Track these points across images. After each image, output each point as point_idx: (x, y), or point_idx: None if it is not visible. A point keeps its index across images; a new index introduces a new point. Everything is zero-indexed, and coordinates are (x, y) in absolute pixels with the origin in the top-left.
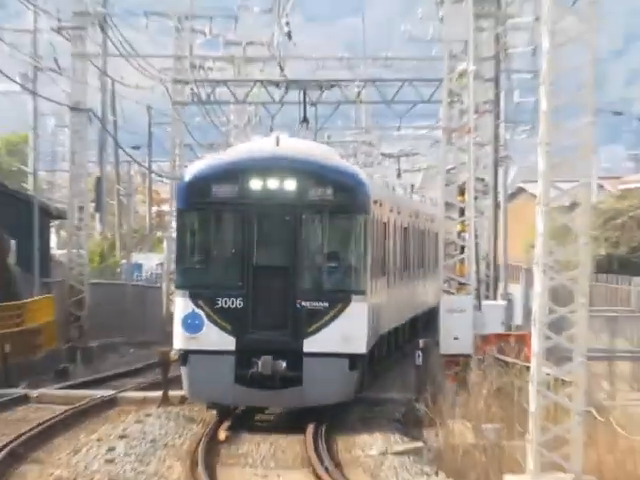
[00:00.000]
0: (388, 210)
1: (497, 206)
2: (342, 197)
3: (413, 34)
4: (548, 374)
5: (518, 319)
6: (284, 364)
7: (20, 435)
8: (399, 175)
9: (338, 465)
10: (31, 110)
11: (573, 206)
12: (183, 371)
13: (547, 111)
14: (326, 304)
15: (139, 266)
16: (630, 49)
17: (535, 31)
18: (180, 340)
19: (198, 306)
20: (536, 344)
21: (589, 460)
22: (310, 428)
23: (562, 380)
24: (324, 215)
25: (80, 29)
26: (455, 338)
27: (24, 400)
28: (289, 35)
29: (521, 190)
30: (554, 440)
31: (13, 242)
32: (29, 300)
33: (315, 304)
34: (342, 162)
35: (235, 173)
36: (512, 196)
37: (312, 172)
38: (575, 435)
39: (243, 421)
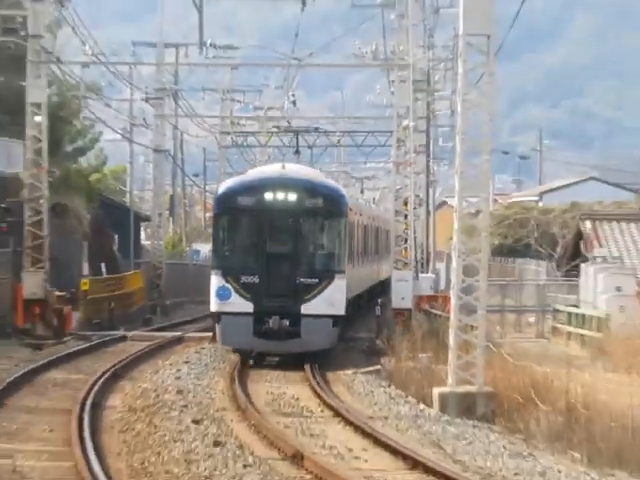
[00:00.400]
0: (356, 215)
1: (428, 213)
2: (328, 205)
3: (374, 101)
4: (461, 321)
5: (442, 286)
6: (287, 322)
7: (120, 361)
8: (362, 192)
9: (326, 382)
10: (128, 151)
11: (477, 213)
12: (217, 327)
13: (460, 152)
14: (317, 280)
15: (197, 252)
16: (513, 110)
17: (452, 100)
18: (215, 305)
19: (227, 281)
20: (454, 302)
21: (487, 377)
22: (307, 365)
23: (471, 325)
24: (316, 218)
25: (160, 99)
26: (402, 298)
27: (123, 339)
28: (294, 103)
29: (444, 203)
30: (465, 364)
31: (116, 236)
32: (127, 274)
33: (309, 280)
34: (328, 181)
35: (253, 188)
36: (438, 206)
37: (307, 187)
38: (478, 361)
39: (258, 361)
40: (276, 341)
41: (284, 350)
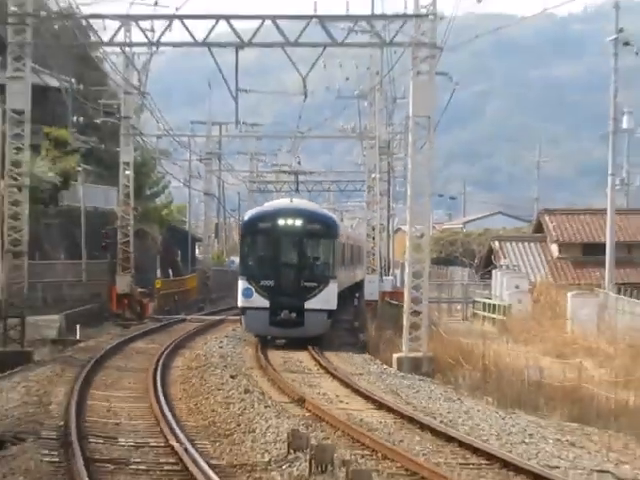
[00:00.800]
0: (343, 236)
1: (388, 236)
2: (324, 229)
3: (353, 161)
4: (411, 308)
5: (398, 284)
6: (295, 315)
7: (181, 336)
8: (342, 220)
9: (322, 352)
10: (187, 194)
11: (422, 236)
12: (242, 318)
13: (410, 194)
14: (316, 284)
15: (233, 262)
16: (445, 167)
17: (405, 160)
18: (241, 302)
19: (250, 284)
20: (406, 295)
21: (429, 346)
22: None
23: (417, 311)
24: (315, 238)
25: (209, 159)
26: (371, 293)
27: (183, 320)
28: (299, 162)
29: (399, 229)
30: (414, 338)
31: (179, 251)
32: (186, 276)
33: (310, 283)
34: (324, 211)
35: (269, 216)
36: (395, 232)
37: (308, 215)
38: (423, 335)
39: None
40: (286, 329)
41: (292, 335)
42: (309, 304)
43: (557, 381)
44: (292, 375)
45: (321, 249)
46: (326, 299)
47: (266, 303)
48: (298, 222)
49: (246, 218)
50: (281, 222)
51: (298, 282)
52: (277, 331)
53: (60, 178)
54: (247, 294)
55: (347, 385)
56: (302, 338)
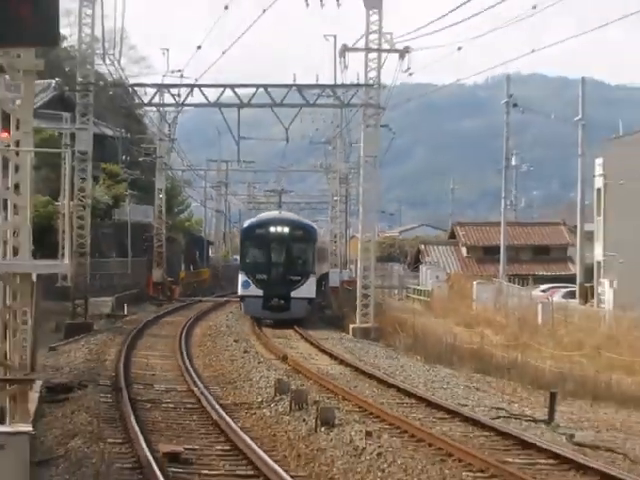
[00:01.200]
0: (318, 240)
1: (346, 241)
2: (306, 234)
3: (321, 188)
4: (363, 292)
5: (353, 275)
6: (283, 302)
7: (198, 312)
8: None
9: (305, 332)
10: (203, 212)
11: (369, 241)
12: (242, 304)
13: (362, 212)
14: (299, 277)
15: (236, 259)
16: (387, 192)
17: (357, 188)
18: (240, 291)
19: (248, 277)
20: (359, 283)
21: (376, 320)
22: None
23: (366, 294)
24: (299, 241)
25: (219, 187)
26: (334, 281)
27: (199, 301)
28: (282, 189)
29: (354, 236)
30: (364, 313)
31: (197, 252)
32: (202, 269)
33: (295, 277)
34: (306, 220)
35: (263, 224)
36: (351, 238)
37: (294, 224)
38: (371, 311)
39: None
40: (276, 312)
41: (281, 318)
42: (294, 293)
43: (466, 344)
44: (278, 340)
45: (303, 250)
46: (307, 289)
47: (260, 292)
48: (285, 229)
49: (245, 225)
50: (272, 229)
51: (285, 276)
52: (269, 314)
53: (112, 200)
54: (245, 285)
55: (317, 347)
56: (289, 320)
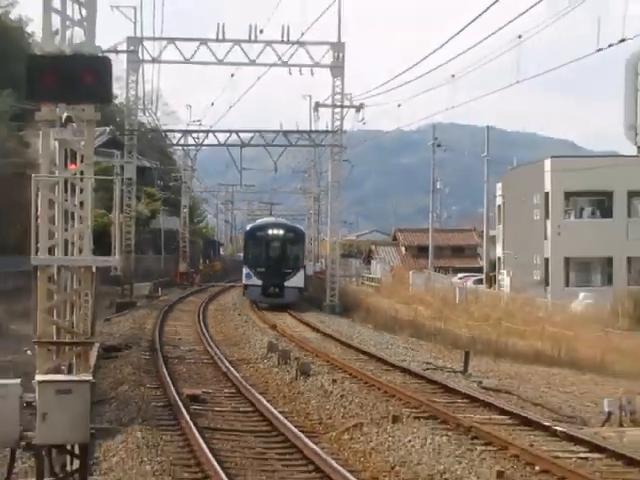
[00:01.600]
0: (305, 241)
1: (318, 243)
2: (297, 236)
3: (301, 204)
4: (330, 280)
5: (323, 267)
6: (278, 290)
7: (212, 294)
8: None
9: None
10: (216, 222)
11: (335, 242)
12: (245, 291)
13: (330, 222)
14: (291, 270)
15: (240, 255)
16: (348, 208)
17: (327, 205)
18: (244, 281)
19: (250, 270)
20: (328, 273)
21: (340, 300)
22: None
23: (333, 281)
24: (291, 241)
25: (227, 204)
26: (311, 271)
27: (212, 286)
28: (272, 204)
29: (324, 239)
30: (332, 294)
31: (211, 250)
32: (215, 262)
33: (288, 270)
34: (297, 225)
35: (262, 227)
36: (322, 241)
37: (287, 227)
38: (336, 293)
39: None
40: (272, 298)
41: (276, 302)
42: (287, 283)
43: (404, 316)
44: (271, 314)
45: (294, 248)
46: (298, 280)
47: (260, 282)
48: (280, 231)
49: (248, 228)
50: (270, 231)
51: (280, 269)
52: (267, 300)
53: (150, 213)
54: (248, 276)
55: (298, 319)
56: (282, 304)
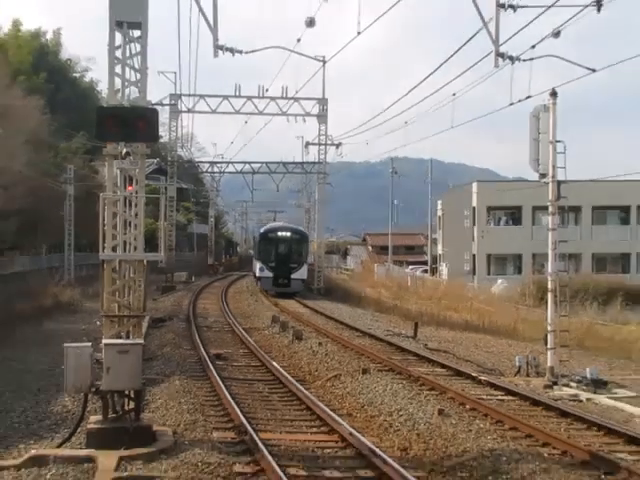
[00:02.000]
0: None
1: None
2: (302, 237)
3: (297, 217)
4: (317, 270)
5: (312, 262)
6: (286, 281)
7: (231, 280)
8: None
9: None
10: (234, 228)
11: (321, 243)
12: (258, 282)
13: (317, 228)
14: (297, 265)
15: (251, 252)
16: (330, 218)
17: (316, 216)
18: (257, 273)
19: (262, 264)
20: (316, 265)
21: (325, 284)
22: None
23: (320, 271)
24: (297, 241)
25: (242, 215)
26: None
27: (231, 274)
28: (275, 215)
29: (312, 240)
30: (319, 280)
31: (231, 248)
32: (233, 257)
33: (294, 265)
34: (301, 228)
35: (273, 229)
36: (311, 241)
37: (294, 229)
38: (322, 280)
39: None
40: (281, 287)
41: (284, 291)
42: (293, 275)
43: (371, 296)
44: (279, 299)
45: (299, 247)
46: (302, 273)
47: (271, 274)
48: (288, 233)
49: (261, 231)
50: (279, 233)
51: (287, 264)
52: (277, 289)
53: (187, 221)
54: (261, 270)
55: (300, 302)
56: (289, 293)
